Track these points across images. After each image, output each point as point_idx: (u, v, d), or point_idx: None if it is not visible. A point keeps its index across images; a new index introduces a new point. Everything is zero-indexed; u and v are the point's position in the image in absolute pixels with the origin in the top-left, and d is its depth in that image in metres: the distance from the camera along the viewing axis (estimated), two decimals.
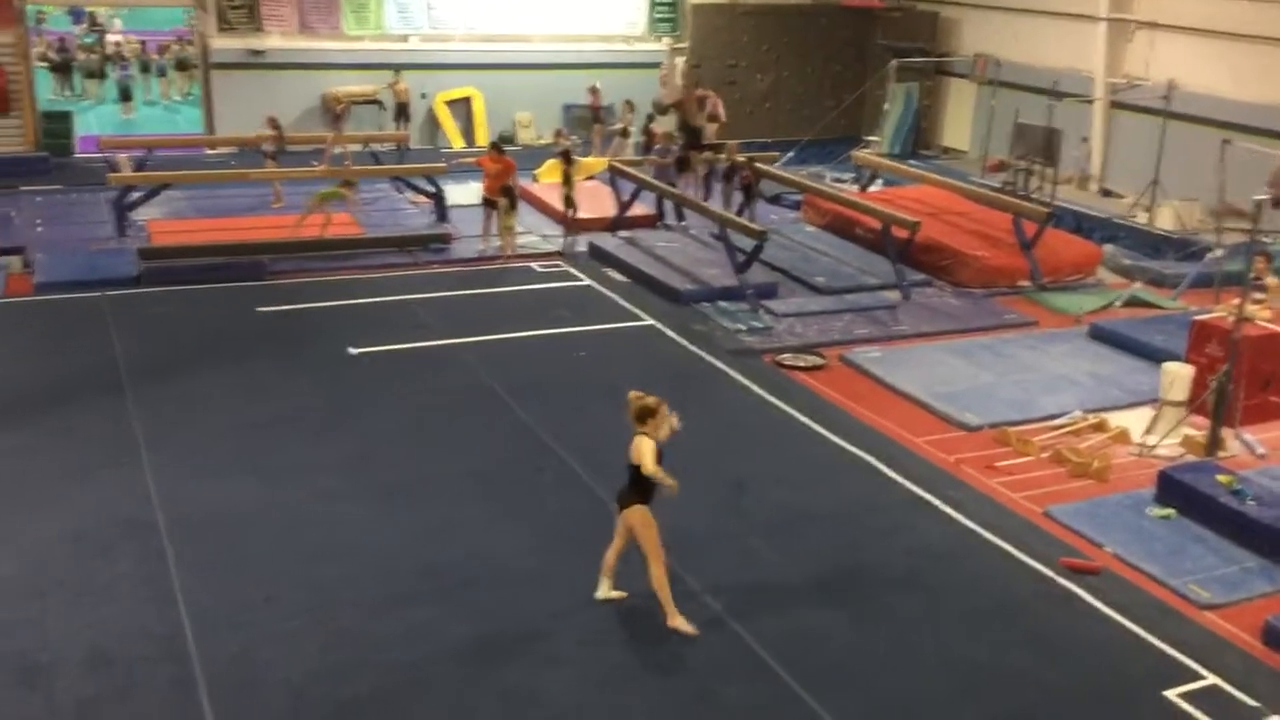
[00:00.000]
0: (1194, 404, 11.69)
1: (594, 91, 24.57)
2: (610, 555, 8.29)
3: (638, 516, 7.89)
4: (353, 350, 13.23)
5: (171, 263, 15.96)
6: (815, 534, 9.62)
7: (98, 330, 13.64)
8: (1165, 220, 19.22)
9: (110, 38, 33.33)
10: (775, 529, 9.64)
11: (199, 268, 15.83)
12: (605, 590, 8.34)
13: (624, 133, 23.97)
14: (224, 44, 23.37)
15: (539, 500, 10.02)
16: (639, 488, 7.89)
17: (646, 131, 22.90)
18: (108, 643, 7.75)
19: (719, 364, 13.35)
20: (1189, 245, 18.07)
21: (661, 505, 8.04)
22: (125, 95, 28.71)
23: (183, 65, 30.80)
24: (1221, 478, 10.18)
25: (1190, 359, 12.36)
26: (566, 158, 18.60)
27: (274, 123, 19.49)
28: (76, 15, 36.52)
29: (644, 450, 7.74)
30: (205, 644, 7.76)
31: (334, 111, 22.81)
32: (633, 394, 7.94)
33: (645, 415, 7.80)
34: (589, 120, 24.93)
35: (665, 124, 22.96)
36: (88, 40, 33.06)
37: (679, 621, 7.86)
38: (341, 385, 12.37)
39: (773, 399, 12.42)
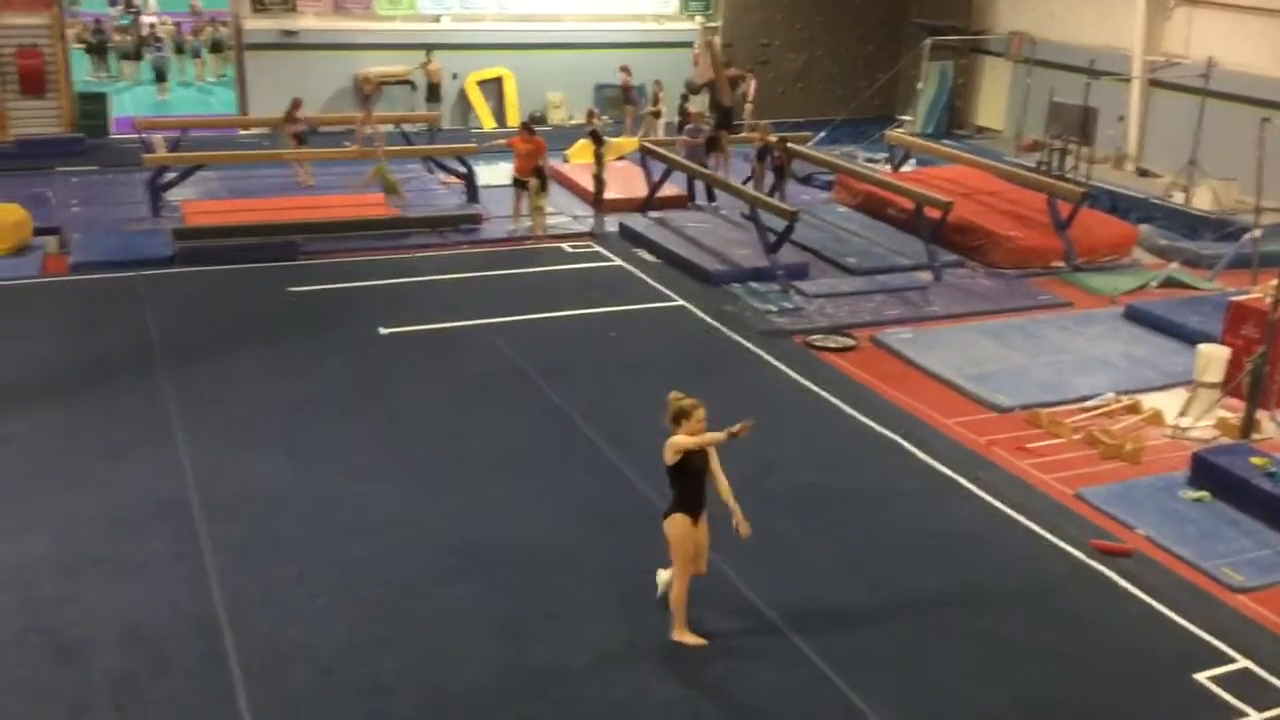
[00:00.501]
0: (1229, 386, 11.58)
1: (625, 71, 24.51)
2: None
3: (671, 527, 7.73)
4: (383, 330, 13.30)
5: (205, 243, 16.10)
6: (845, 515, 9.61)
7: (132, 310, 13.77)
8: (1202, 200, 19.00)
9: (145, 19, 33.53)
10: (804, 510, 9.63)
11: (232, 248, 15.94)
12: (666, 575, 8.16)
13: (656, 113, 23.90)
14: (257, 25, 23.48)
15: (569, 480, 10.05)
16: (676, 495, 7.74)
17: (682, 111, 22.84)
18: (142, 620, 7.84)
19: (749, 345, 13.33)
20: (1226, 225, 17.86)
21: None
22: (160, 76, 28.93)
23: (217, 46, 30.99)
24: (1256, 460, 10.08)
25: (1226, 340, 12.23)
26: (596, 138, 18.58)
27: (298, 105, 19.64)
28: None
29: (671, 442, 7.56)
30: (237, 622, 7.85)
31: (364, 92, 22.86)
32: (672, 395, 7.79)
33: (680, 417, 7.60)
34: (620, 100, 24.88)
35: (697, 103, 22.90)
36: (123, 22, 33.26)
37: (685, 636, 7.79)
38: (372, 365, 12.43)
39: (803, 380, 12.38)
